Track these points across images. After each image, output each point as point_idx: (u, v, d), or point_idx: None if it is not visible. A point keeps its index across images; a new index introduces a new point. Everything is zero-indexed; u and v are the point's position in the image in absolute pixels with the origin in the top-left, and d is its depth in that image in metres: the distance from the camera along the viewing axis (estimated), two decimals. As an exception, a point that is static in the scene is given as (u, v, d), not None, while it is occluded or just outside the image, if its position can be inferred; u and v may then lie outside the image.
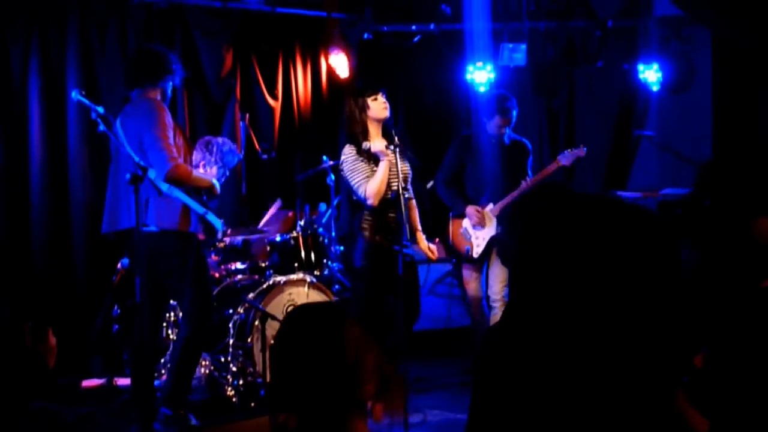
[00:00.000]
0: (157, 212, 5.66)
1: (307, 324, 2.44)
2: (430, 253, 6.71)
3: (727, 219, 7.41)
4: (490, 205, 7.27)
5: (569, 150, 7.40)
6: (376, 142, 6.26)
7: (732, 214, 7.20)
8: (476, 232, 7.28)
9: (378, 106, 6.35)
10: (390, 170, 6.25)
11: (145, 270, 5.49)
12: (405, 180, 6.41)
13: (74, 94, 5.50)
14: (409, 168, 6.53)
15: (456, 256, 7.49)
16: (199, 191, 5.87)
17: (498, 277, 7.27)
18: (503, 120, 7.29)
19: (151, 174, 5.47)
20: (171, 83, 5.98)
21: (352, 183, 6.30)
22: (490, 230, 7.24)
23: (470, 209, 7.29)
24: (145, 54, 6.14)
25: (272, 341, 2.55)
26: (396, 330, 6.14)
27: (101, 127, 5.38)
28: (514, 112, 7.31)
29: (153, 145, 5.57)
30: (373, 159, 6.27)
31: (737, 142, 8.54)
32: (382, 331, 6.31)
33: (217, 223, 5.99)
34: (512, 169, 7.38)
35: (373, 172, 6.26)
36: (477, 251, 7.27)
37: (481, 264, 7.35)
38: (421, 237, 6.64)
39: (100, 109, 5.41)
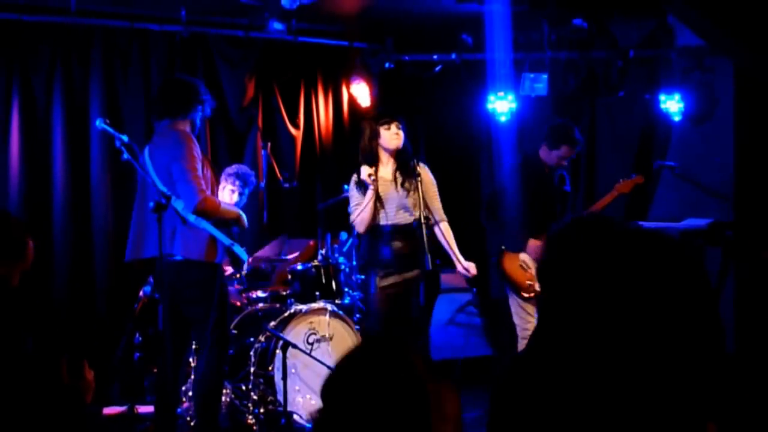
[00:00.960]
0: (185, 242, 5.65)
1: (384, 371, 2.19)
2: (466, 272, 6.61)
3: (745, 250, 7.39)
4: None
5: (622, 179, 7.38)
6: (363, 169, 6.29)
7: (749, 246, 7.17)
8: None
9: (389, 136, 6.36)
10: (407, 199, 6.30)
11: (170, 298, 5.51)
12: (427, 208, 6.42)
13: (99, 123, 5.51)
14: (436, 191, 6.54)
15: (515, 290, 7.25)
16: (227, 222, 5.87)
17: None
18: (570, 151, 7.24)
19: (177, 204, 5.48)
20: (200, 114, 5.98)
21: (350, 209, 6.39)
22: None
23: (534, 243, 7.11)
24: (175, 84, 6.10)
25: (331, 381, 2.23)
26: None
27: (125, 156, 5.40)
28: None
29: (181, 177, 5.55)
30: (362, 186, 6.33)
31: (759, 173, 8.51)
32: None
33: (243, 255, 6.01)
34: (565, 200, 7.37)
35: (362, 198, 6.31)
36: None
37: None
38: (458, 259, 6.58)
39: (125, 138, 5.42)
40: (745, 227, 7.89)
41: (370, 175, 6.26)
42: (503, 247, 7.26)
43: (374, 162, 6.36)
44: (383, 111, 6.59)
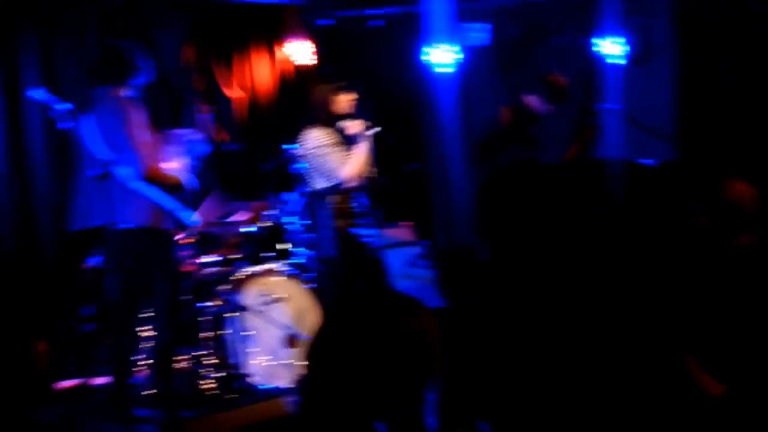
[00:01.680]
0: (131, 209, 5.61)
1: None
2: None
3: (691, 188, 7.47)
4: None
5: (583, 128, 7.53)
6: (355, 124, 6.24)
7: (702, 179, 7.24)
8: None
9: (345, 99, 6.34)
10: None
11: (120, 267, 5.47)
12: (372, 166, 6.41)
13: (32, 92, 5.43)
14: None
15: None
16: (172, 188, 5.82)
17: None
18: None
19: (121, 171, 5.42)
20: (140, 79, 5.90)
21: (327, 166, 6.26)
22: None
23: None
24: (113, 50, 6.01)
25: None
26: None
27: (62, 124, 5.33)
28: None
29: (126, 145, 5.51)
30: (346, 141, 6.26)
31: (701, 111, 8.57)
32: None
33: (191, 219, 5.97)
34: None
35: (346, 154, 6.23)
36: None
37: None
38: None
39: (61, 106, 5.35)
40: (690, 165, 7.96)
41: (367, 127, 6.24)
42: None
43: (333, 122, 6.31)
44: (337, 73, 6.55)
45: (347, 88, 6.35)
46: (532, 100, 7.43)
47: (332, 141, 6.28)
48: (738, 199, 3.73)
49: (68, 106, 5.54)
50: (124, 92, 5.77)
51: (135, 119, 5.58)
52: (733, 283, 3.39)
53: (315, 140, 6.32)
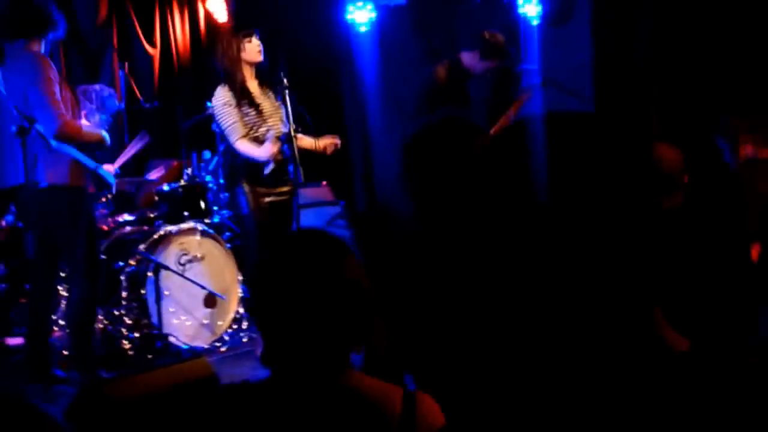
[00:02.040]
0: (47, 168, 5.49)
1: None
2: (333, 144, 6.57)
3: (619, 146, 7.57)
4: None
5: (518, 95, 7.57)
6: (272, 145, 6.08)
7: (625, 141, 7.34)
8: None
9: (252, 48, 6.22)
10: (281, 110, 6.20)
11: (36, 226, 5.37)
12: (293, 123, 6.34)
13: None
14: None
15: None
16: (90, 146, 5.72)
17: None
18: (499, 64, 7.48)
19: (37, 128, 5.31)
20: (53, 35, 5.76)
21: (222, 127, 6.19)
22: None
23: None
24: (25, 3, 5.86)
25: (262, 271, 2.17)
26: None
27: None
28: None
29: (39, 102, 5.35)
30: (249, 103, 6.17)
31: (617, 73, 8.66)
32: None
33: (110, 177, 5.88)
34: None
35: (243, 115, 6.13)
36: None
37: None
38: (315, 141, 6.50)
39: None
40: (606, 123, 8.08)
41: (279, 138, 6.13)
42: None
43: (242, 77, 6.21)
44: (241, 23, 6.46)
45: (252, 36, 6.22)
46: (468, 58, 7.40)
47: (231, 101, 6.16)
48: (663, 162, 3.77)
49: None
50: (37, 47, 5.62)
51: (48, 75, 5.44)
52: (666, 244, 3.44)
53: (216, 98, 6.24)
